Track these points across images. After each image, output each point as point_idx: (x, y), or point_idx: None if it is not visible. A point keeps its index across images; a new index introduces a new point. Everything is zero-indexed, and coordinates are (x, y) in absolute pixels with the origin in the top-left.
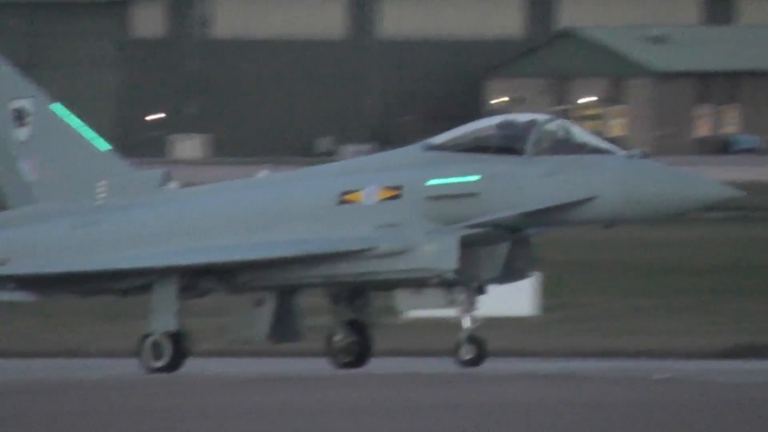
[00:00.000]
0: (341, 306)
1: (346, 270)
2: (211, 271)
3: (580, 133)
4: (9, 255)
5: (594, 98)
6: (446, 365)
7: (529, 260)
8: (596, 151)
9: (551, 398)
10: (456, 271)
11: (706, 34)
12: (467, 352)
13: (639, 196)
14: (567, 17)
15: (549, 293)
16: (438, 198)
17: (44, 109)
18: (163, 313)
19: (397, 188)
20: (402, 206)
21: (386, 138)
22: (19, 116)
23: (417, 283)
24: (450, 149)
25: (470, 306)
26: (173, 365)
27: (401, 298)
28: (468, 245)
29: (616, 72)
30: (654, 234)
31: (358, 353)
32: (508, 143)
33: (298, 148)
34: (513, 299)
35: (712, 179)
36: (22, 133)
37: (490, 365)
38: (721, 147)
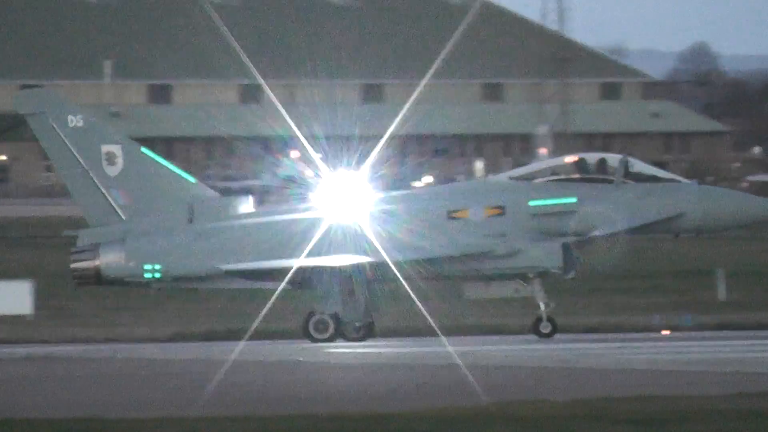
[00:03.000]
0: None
1: (466, 267)
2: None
3: (646, 167)
4: (144, 260)
5: None
6: None
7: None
8: (669, 180)
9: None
10: (559, 267)
11: (149, 111)
12: (545, 328)
13: (716, 212)
14: None
15: (42, 296)
16: (540, 215)
17: (133, 152)
18: (330, 299)
19: (499, 207)
20: (507, 221)
21: None
22: (110, 158)
23: (522, 276)
24: (526, 179)
25: (543, 293)
26: (332, 338)
27: (472, 287)
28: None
29: None
30: None
31: (369, 330)
32: (593, 174)
33: None
34: (13, 301)
35: (764, 199)
36: (111, 170)
37: None
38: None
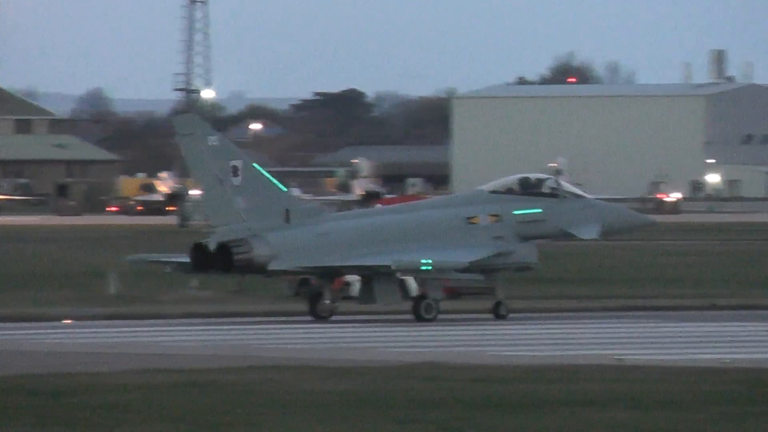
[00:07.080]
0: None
1: (491, 262)
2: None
3: (568, 185)
4: (278, 251)
5: None
6: None
7: None
8: (582, 196)
9: None
10: (536, 263)
11: None
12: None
13: (621, 220)
14: None
15: None
16: (522, 222)
17: (250, 166)
18: (436, 287)
19: (497, 215)
20: (503, 226)
21: None
22: (235, 170)
23: (516, 270)
24: (502, 194)
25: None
26: (435, 318)
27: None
28: None
29: None
30: None
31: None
32: (542, 190)
33: None
34: None
35: (640, 213)
36: (236, 181)
37: None
38: None
